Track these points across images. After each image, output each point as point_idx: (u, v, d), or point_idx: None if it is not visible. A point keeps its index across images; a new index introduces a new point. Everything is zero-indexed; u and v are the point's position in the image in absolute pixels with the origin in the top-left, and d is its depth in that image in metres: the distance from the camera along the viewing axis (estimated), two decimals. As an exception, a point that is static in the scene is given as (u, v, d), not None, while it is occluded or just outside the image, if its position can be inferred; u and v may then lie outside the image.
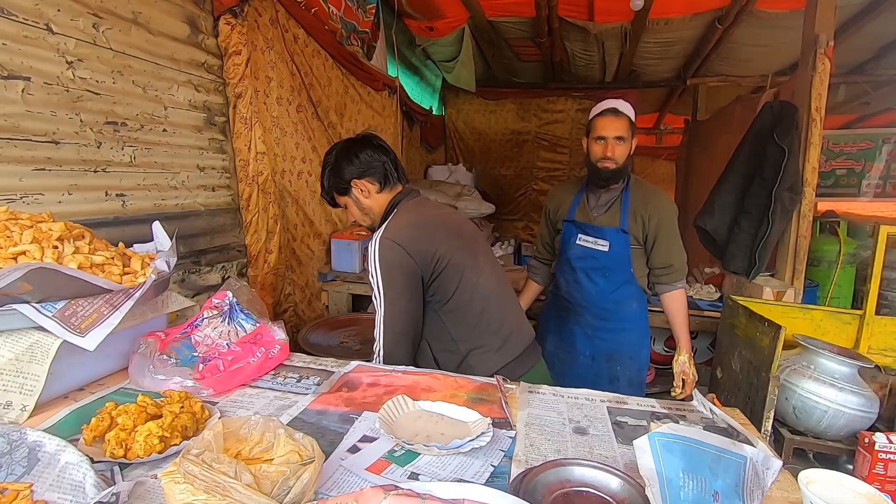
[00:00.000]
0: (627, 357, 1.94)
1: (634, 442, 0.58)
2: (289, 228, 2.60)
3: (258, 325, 1.19)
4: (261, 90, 2.27)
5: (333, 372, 1.15)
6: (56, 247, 0.97)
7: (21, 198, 1.30)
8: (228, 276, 2.15)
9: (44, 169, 1.36)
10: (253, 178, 2.19)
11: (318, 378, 1.12)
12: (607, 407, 1.03)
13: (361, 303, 3.18)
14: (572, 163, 5.96)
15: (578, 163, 5.93)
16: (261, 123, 2.22)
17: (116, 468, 0.75)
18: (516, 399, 1.05)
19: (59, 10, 1.37)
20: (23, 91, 1.29)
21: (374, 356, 1.29)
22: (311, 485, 0.67)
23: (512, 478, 0.75)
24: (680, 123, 6.96)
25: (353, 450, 0.82)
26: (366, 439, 0.86)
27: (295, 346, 2.31)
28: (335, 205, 1.50)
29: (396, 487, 0.65)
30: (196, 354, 1.08)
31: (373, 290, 1.28)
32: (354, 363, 1.21)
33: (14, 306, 0.83)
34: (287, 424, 0.90)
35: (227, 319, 1.15)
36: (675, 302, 1.88)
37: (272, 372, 1.14)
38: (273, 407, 0.98)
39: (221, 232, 2.11)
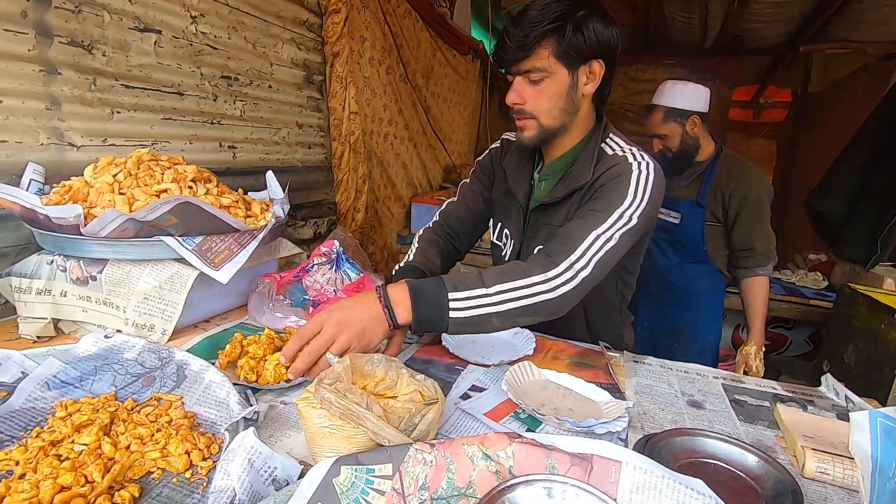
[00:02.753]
0: (689, 338, 1.91)
1: (852, 415, 0.53)
2: (373, 189, 2.65)
3: (361, 274, 1.22)
4: (355, 50, 2.29)
5: (433, 325, 1.17)
6: (190, 187, 1.04)
7: (152, 144, 1.41)
8: (319, 232, 2.25)
9: (170, 118, 1.46)
10: (345, 137, 2.24)
11: (419, 330, 1.14)
12: (722, 384, 0.97)
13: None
14: (658, 136, 5.61)
15: (664, 137, 5.57)
16: (354, 83, 2.25)
17: (250, 391, 0.81)
18: (622, 367, 1.01)
19: (185, -34, 1.44)
20: (155, 44, 1.38)
21: (559, 275, 0.90)
22: (434, 424, 0.69)
23: (633, 443, 0.73)
24: (785, 96, 6.31)
25: (465, 397, 0.83)
26: (475, 388, 0.87)
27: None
28: (522, 55, 0.94)
29: (520, 436, 0.65)
30: (307, 297, 1.13)
31: (618, 208, 0.96)
32: (452, 319, 1.21)
33: (161, 238, 0.91)
34: (397, 369, 0.93)
35: (334, 267, 1.19)
36: (752, 289, 1.77)
37: (375, 320, 1.17)
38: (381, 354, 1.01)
39: (315, 188, 2.19)
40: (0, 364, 0.79)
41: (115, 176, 0.98)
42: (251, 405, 0.76)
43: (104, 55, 1.25)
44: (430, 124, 3.21)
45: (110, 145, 1.28)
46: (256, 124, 1.80)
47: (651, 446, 0.69)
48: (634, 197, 0.97)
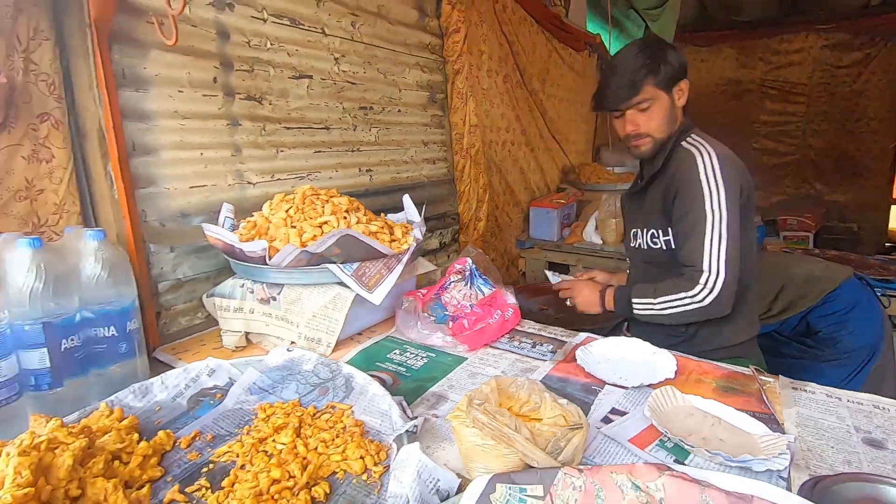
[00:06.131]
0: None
1: None
2: (493, 197, 2.72)
3: (494, 289, 1.29)
4: (474, 64, 2.37)
5: (565, 342, 1.19)
6: (345, 217, 1.18)
7: (307, 175, 1.61)
8: (444, 242, 2.37)
9: (320, 151, 1.66)
10: (466, 150, 2.33)
11: (552, 346, 1.17)
12: (909, 420, 0.86)
13: (556, 272, 3.19)
14: (810, 113, 4.90)
15: (818, 113, 4.85)
16: (474, 97, 2.33)
17: (405, 403, 0.91)
18: (777, 395, 0.94)
19: (329, 14, 1.62)
20: (308, 87, 1.58)
21: (701, 289, 1.12)
22: (579, 449, 0.72)
23: (797, 484, 0.68)
24: None
25: (606, 420, 0.85)
26: (616, 412, 0.87)
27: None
28: (633, 93, 1.18)
29: (670, 468, 0.65)
30: (447, 313, 1.22)
31: (705, 205, 1.12)
32: (583, 335, 1.22)
33: (327, 265, 1.05)
34: (534, 387, 0.97)
35: (468, 283, 1.27)
36: None
37: (508, 335, 1.23)
38: (516, 369, 1.06)
39: (440, 201, 2.31)
40: (215, 371, 0.99)
41: (287, 211, 1.16)
42: (410, 417, 0.86)
43: (270, 104, 1.47)
44: (546, 126, 3.19)
45: (276, 180, 1.50)
46: (388, 147, 1.96)
47: (821, 491, 0.64)
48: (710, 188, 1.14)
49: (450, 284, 1.27)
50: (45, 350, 0.86)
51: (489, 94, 2.54)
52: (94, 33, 1.00)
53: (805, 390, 0.96)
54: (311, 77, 1.59)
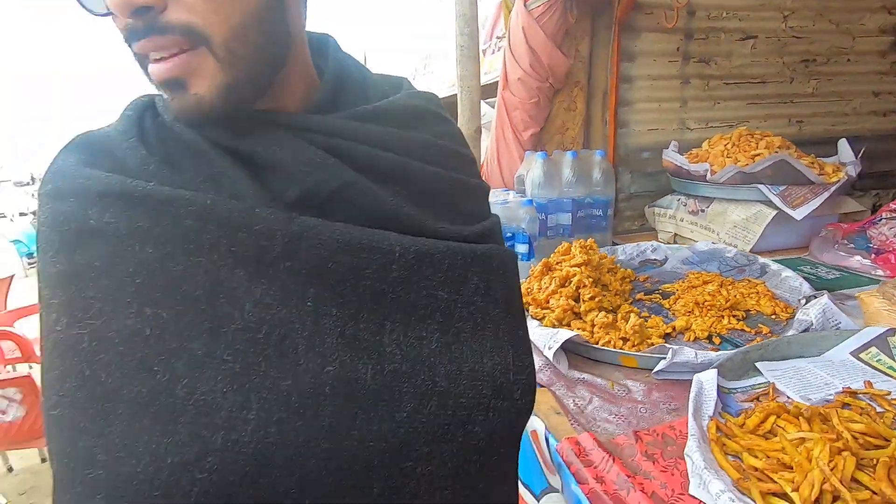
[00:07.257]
0: None
1: None
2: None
3: (936, 233, 1.27)
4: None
5: None
6: (776, 152, 1.43)
7: (737, 124, 1.88)
8: (879, 204, 2.15)
9: (753, 103, 1.88)
10: (938, 99, 2.00)
11: None
12: None
13: None
14: None
15: None
16: (965, 35, 1.95)
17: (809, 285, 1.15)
18: None
19: (785, -25, 1.79)
20: (752, 47, 1.82)
21: None
22: None
23: None
24: None
25: None
26: None
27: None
28: None
29: None
30: (870, 245, 1.32)
31: None
32: None
33: (756, 185, 1.36)
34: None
35: (904, 222, 1.30)
36: None
37: (946, 276, 1.22)
38: (948, 297, 1.10)
39: (884, 159, 2.10)
40: (656, 249, 1.48)
41: (725, 146, 1.51)
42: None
43: (716, 64, 1.80)
44: None
45: (710, 127, 1.84)
46: (827, 98, 1.96)
47: None
48: None
49: (880, 221, 1.33)
50: (569, 214, 1.54)
51: None
52: (616, 27, 1.59)
53: None
54: (756, 37, 1.81)
